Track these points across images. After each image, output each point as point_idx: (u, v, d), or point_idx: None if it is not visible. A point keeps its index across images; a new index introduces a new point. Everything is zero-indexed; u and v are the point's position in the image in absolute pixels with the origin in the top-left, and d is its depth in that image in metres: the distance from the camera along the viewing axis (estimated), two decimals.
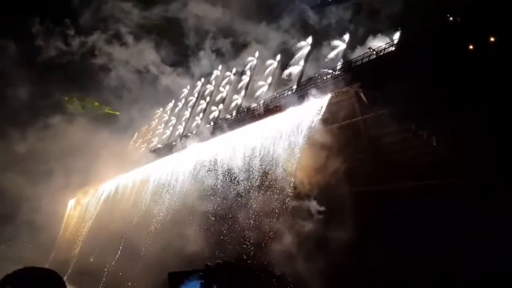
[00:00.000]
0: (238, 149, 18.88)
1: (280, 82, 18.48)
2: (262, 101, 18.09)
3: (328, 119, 14.56)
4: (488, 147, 11.05)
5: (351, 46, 15.40)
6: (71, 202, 35.84)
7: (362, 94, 13.72)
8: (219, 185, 19.84)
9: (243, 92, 21.20)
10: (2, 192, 30.33)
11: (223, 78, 24.16)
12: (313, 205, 14.27)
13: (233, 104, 21.77)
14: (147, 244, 22.30)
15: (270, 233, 15.32)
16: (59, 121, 30.30)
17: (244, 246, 16.36)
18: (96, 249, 27.56)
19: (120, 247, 24.89)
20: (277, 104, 17.00)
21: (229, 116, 21.04)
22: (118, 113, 32.58)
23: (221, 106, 23.05)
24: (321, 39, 16.98)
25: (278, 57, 19.34)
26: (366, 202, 12.96)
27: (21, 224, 31.81)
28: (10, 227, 32.74)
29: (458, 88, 11.70)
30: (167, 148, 25.52)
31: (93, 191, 33.33)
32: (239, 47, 21.83)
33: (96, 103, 31.78)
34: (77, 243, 31.81)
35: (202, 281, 5.83)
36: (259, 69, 20.49)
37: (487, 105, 11.18)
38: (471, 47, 11.99)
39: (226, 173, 19.47)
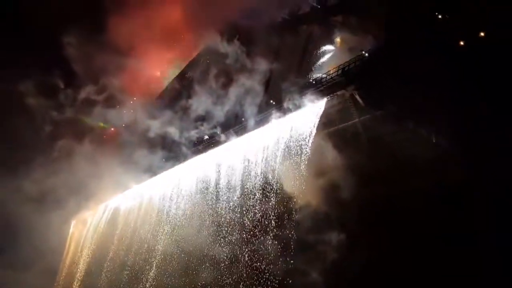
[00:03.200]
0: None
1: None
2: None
3: (326, 123, 14.62)
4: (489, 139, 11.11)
5: (341, 49, 15.51)
6: (73, 223, 35.69)
7: (357, 97, 13.77)
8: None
9: None
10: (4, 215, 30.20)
11: None
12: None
13: None
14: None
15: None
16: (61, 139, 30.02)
17: None
18: (101, 274, 27.54)
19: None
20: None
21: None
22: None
23: None
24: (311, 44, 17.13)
25: None
26: (372, 204, 12.99)
27: (25, 247, 31.62)
28: (13, 251, 32.60)
29: (451, 84, 11.82)
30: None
31: (94, 211, 33.26)
32: None
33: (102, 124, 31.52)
34: (81, 266, 31.74)
35: None
36: None
37: (483, 97, 11.27)
38: (461, 43, 12.10)
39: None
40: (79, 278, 31.50)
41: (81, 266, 31.86)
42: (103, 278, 27.88)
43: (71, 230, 35.49)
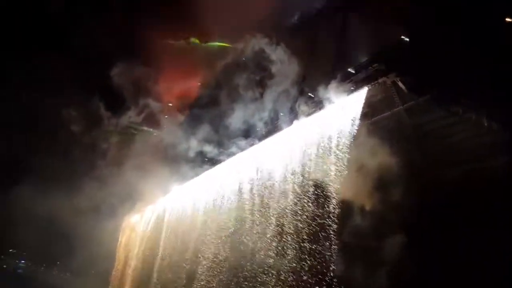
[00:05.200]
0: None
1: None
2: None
3: (368, 113, 14.33)
4: None
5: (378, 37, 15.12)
6: (123, 227, 36.71)
7: (400, 83, 13.42)
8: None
9: None
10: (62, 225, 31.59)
11: None
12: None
13: None
14: None
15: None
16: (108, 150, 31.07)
17: None
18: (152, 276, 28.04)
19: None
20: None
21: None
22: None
23: None
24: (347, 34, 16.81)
25: None
26: (426, 198, 12.61)
27: (81, 253, 32.91)
28: (71, 257, 34.04)
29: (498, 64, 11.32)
30: None
31: (141, 214, 34.02)
32: None
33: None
34: (131, 269, 32.52)
35: None
36: None
37: None
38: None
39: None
40: (130, 282, 32.42)
41: (131, 270, 32.76)
42: (154, 280, 28.58)
43: (121, 235, 36.61)
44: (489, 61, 11.55)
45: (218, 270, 21.49)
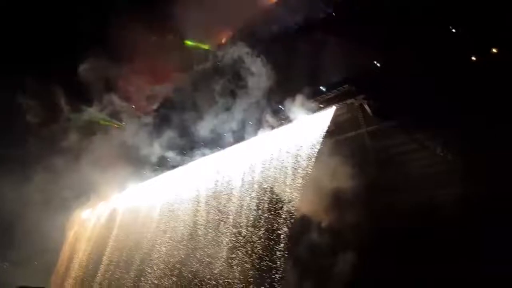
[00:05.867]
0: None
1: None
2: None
3: (333, 131, 14.62)
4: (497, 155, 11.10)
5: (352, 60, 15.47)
6: (73, 221, 35.50)
7: (366, 106, 13.82)
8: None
9: None
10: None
11: None
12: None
13: None
14: None
15: None
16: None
17: None
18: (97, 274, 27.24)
19: None
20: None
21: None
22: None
23: None
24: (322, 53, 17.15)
25: None
26: (381, 217, 12.90)
27: (25, 243, 31.56)
28: (13, 246, 32.58)
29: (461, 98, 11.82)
30: None
31: (93, 209, 33.04)
32: None
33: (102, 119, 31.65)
34: (76, 264, 31.46)
35: None
36: None
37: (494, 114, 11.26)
38: (473, 58, 12.12)
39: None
40: (74, 277, 31.27)
41: (77, 265, 31.63)
42: (99, 278, 27.68)
43: (70, 229, 35.31)
44: (451, 96, 11.99)
45: (168, 273, 21.09)
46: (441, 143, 12.53)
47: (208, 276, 17.73)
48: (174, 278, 20.28)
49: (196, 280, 18.50)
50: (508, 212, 10.68)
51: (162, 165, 26.14)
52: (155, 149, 25.26)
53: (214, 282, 17.07)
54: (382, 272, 12.29)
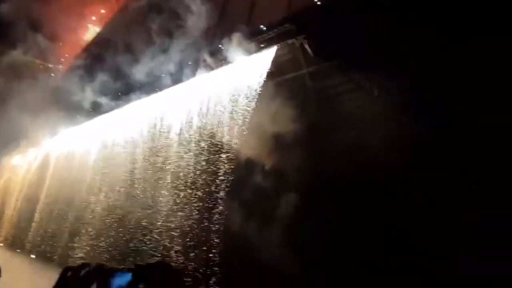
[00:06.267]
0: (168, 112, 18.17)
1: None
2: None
3: (274, 72, 14.41)
4: (428, 96, 11.46)
5: None
6: (3, 168, 33.71)
7: (307, 46, 13.63)
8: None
9: None
10: None
11: None
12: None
13: None
14: None
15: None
16: None
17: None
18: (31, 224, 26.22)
19: None
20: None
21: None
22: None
23: None
24: None
25: None
26: (321, 161, 13.10)
27: None
28: None
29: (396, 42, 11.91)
30: None
31: (24, 155, 31.45)
32: None
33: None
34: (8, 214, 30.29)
35: (131, 280, 5.53)
36: None
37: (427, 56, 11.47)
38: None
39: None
40: (6, 227, 30.20)
41: (8, 215, 30.48)
42: (33, 228, 26.88)
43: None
44: (388, 38, 12.03)
45: (107, 222, 20.76)
46: (377, 84, 12.73)
47: (151, 224, 17.60)
48: (114, 226, 20.00)
49: (139, 228, 18.32)
50: (441, 149, 11.18)
51: (96, 108, 24.93)
52: (88, 92, 24.01)
53: (157, 230, 16.98)
54: (323, 214, 12.69)
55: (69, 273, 5.74)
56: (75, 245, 21.86)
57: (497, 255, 9.52)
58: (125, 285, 5.40)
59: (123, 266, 5.86)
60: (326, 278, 12.45)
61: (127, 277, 5.44)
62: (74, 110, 25.79)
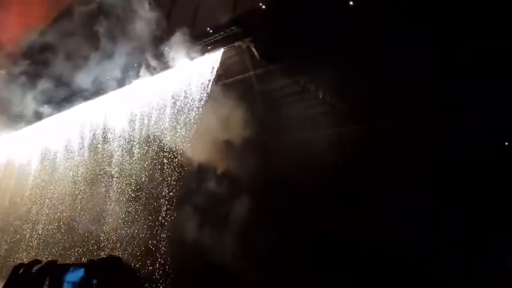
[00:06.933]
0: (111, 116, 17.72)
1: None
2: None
3: (221, 75, 14.37)
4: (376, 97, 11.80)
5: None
6: None
7: (253, 49, 13.68)
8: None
9: None
10: None
11: None
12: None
13: None
14: None
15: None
16: None
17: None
18: None
19: None
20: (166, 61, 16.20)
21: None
22: None
23: None
24: None
25: None
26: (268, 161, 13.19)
27: None
28: None
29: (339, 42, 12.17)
30: None
31: None
32: None
33: None
34: None
35: (84, 276, 5.41)
36: None
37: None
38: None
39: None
40: None
41: None
42: None
43: None
44: (332, 40, 12.27)
45: (50, 233, 19.88)
46: (321, 87, 13.00)
47: (99, 231, 16.99)
48: (59, 236, 19.15)
49: (87, 235, 17.64)
50: (386, 150, 11.55)
51: (37, 114, 23.80)
52: (27, 97, 22.86)
53: (106, 237, 16.42)
54: (273, 217, 12.77)
55: (21, 270, 5.49)
56: (15, 258, 20.73)
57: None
58: (77, 281, 5.27)
59: (75, 262, 5.68)
60: (279, 281, 12.53)
61: (80, 273, 5.31)
62: (12, 116, 24.52)
